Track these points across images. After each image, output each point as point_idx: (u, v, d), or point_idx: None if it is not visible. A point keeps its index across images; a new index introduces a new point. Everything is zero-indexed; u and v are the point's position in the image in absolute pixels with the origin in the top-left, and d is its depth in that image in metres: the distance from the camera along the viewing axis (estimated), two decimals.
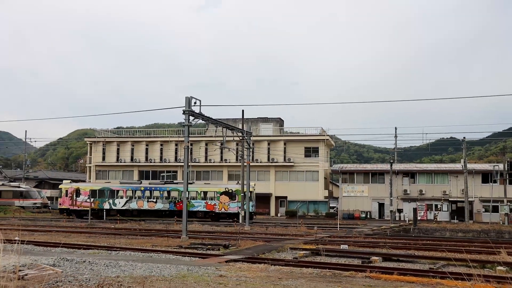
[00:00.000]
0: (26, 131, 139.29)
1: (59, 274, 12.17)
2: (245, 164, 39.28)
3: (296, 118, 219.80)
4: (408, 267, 16.07)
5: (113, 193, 49.20)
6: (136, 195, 48.40)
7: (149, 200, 47.87)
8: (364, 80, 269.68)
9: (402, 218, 51.69)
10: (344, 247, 21.54)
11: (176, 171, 62.93)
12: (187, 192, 47.23)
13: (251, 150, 40.51)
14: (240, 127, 40.17)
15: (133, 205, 48.03)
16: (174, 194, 48.00)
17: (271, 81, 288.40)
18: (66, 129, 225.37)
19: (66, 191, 50.23)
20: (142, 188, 48.66)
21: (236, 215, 44.99)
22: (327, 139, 60.32)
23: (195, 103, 27.69)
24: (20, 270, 12.00)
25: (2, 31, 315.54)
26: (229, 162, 60.71)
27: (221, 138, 37.23)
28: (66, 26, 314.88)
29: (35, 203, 60.35)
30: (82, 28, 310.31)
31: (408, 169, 57.01)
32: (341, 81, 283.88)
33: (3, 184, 63.50)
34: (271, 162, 60.38)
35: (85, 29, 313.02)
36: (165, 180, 55.57)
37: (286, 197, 59.14)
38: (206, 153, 62.67)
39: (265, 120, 65.13)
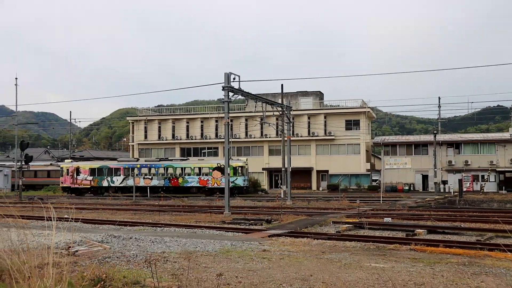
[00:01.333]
0: (70, 111, 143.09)
1: (108, 250, 12.53)
2: (286, 138, 39.18)
3: (339, 90, 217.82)
4: (454, 239, 15.78)
5: (111, 171, 50.74)
6: (133, 173, 49.81)
7: (145, 177, 49.15)
8: (410, 48, 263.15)
9: (447, 190, 50.71)
10: (387, 220, 21.32)
11: (217, 147, 63.46)
12: (182, 169, 49.04)
13: (291, 124, 40.33)
14: (279, 101, 39.97)
15: (130, 182, 49.24)
16: (169, 171, 49.23)
17: (317, 53, 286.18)
18: (110, 109, 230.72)
19: (67, 169, 52.21)
20: (138, 166, 50.03)
21: (229, 189, 45.52)
22: (368, 111, 59.42)
23: (234, 78, 27.62)
24: (71, 247, 12.42)
25: (53, 14, 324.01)
26: (269, 137, 60.71)
27: (261, 113, 37.19)
28: (114, 7, 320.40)
29: None
30: (130, 8, 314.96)
31: (452, 139, 55.66)
32: (388, 49, 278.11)
33: (51, 164, 65.60)
34: (312, 136, 60.04)
35: (132, 9, 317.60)
36: (160, 157, 57.26)
37: (327, 171, 58.85)
38: (246, 128, 62.82)
39: (305, 94, 64.59)
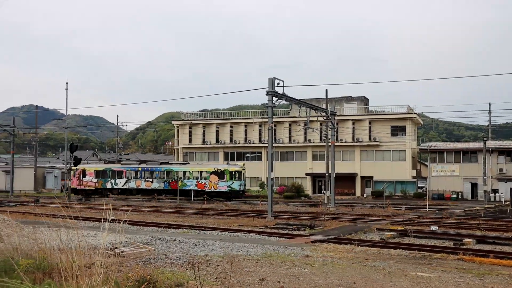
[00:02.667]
0: (117, 115, 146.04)
1: (152, 252, 12.73)
2: (329, 144, 38.89)
3: (383, 96, 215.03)
4: (505, 250, 15.21)
5: (114, 174, 52.34)
6: (134, 176, 51.42)
7: (146, 180, 50.68)
8: (456, 54, 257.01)
9: (497, 199, 49.06)
10: (434, 228, 20.80)
11: (260, 152, 63.57)
12: (181, 172, 50.42)
13: (335, 130, 40.01)
14: (323, 106, 39.72)
15: (132, 184, 51.16)
16: (169, 174, 50.63)
17: (354, 58, 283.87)
18: (153, 113, 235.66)
19: (74, 171, 53.82)
20: (140, 169, 51.59)
21: (225, 193, 46.82)
22: (414, 117, 58.26)
23: (278, 83, 27.66)
24: (117, 247, 12.67)
25: (93, 21, 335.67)
26: (313, 143, 60.39)
27: (305, 119, 37.04)
28: (149, 13, 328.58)
29: None
30: (164, 14, 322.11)
31: (504, 146, 53.82)
32: (433, 55, 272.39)
33: None
34: (356, 142, 59.36)
35: (166, 15, 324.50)
36: (160, 161, 58.66)
37: (372, 177, 58.03)
38: (290, 133, 62.69)
39: (349, 99, 63.96)
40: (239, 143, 64.86)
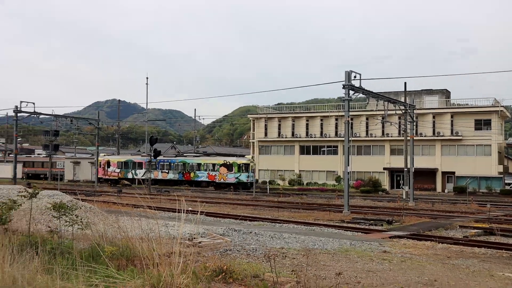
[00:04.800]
0: (195, 109, 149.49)
1: (228, 243, 12.91)
2: (408, 138, 37.75)
3: (468, 89, 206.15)
4: None
5: (135, 165, 55.82)
6: (153, 167, 54.17)
7: (163, 171, 54.26)
8: None
9: None
10: None
11: (336, 146, 62.82)
12: (194, 164, 52.88)
13: (414, 123, 38.76)
14: (402, 100, 38.59)
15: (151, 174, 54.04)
16: (183, 166, 53.82)
17: (425, 55, 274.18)
18: (229, 107, 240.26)
19: (100, 162, 57.43)
20: (158, 160, 53.91)
21: (233, 184, 49.55)
22: (501, 111, 55.26)
23: (355, 77, 27.20)
24: (195, 238, 12.99)
25: (162, 21, 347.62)
26: (391, 137, 58.87)
27: (382, 112, 36.15)
28: (217, 13, 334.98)
29: None
30: (231, 14, 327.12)
31: None
32: None
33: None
34: (437, 136, 57.20)
35: (233, 15, 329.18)
36: (176, 153, 61.78)
37: (453, 173, 55.70)
38: (367, 127, 61.46)
39: (430, 92, 61.69)
40: (315, 137, 64.42)
